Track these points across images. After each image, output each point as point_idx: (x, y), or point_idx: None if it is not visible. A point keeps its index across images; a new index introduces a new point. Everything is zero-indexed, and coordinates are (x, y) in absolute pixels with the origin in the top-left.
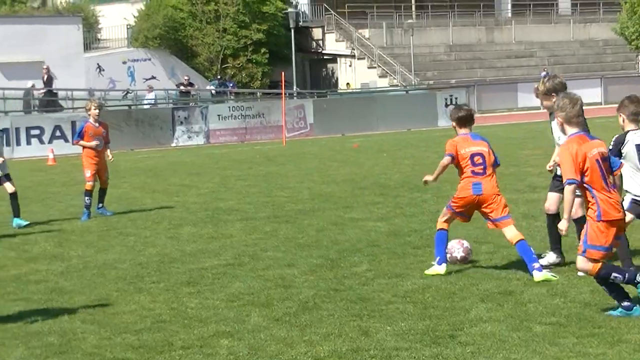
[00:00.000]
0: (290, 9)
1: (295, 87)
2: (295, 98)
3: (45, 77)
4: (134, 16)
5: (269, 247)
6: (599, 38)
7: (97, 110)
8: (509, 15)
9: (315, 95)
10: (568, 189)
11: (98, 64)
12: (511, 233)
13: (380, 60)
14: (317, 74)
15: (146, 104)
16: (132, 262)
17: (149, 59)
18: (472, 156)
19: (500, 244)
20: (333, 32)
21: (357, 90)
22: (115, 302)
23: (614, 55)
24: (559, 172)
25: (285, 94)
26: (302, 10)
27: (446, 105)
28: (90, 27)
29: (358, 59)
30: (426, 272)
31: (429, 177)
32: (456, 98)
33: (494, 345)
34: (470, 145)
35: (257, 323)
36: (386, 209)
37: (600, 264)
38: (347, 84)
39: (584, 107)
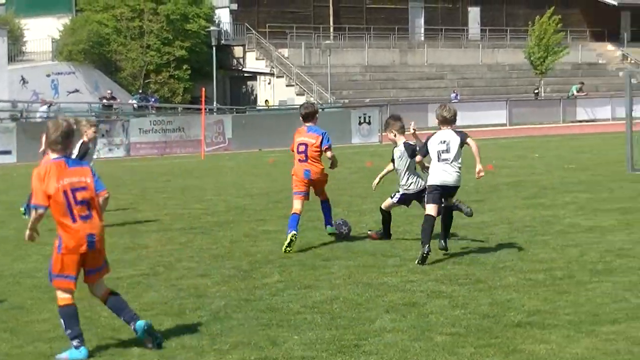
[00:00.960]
0: (212, 28)
1: (215, 102)
2: (215, 113)
3: None
4: (59, 30)
5: (183, 257)
6: (506, 63)
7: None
8: (422, 38)
9: (234, 111)
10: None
11: (22, 76)
12: None
13: (298, 78)
14: (237, 90)
15: (39, 117)
16: (48, 271)
17: (73, 73)
18: (299, 145)
19: (406, 257)
20: (253, 51)
21: (275, 107)
22: (30, 310)
23: (519, 79)
24: (437, 182)
25: (205, 109)
26: (224, 28)
27: (359, 123)
28: (16, 40)
29: (277, 77)
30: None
31: None
32: (369, 116)
33: (396, 355)
34: (301, 136)
35: (169, 332)
36: (301, 222)
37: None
38: (266, 101)
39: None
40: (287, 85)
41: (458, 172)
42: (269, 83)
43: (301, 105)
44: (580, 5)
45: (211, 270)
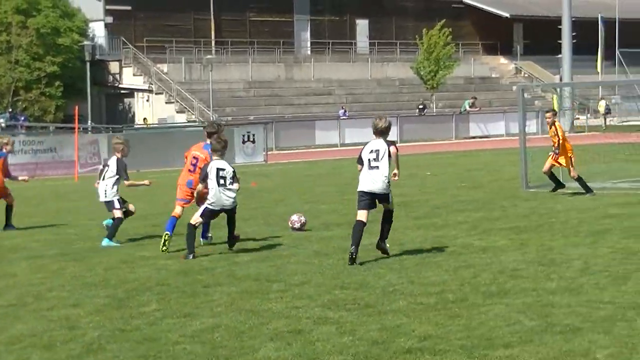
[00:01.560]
0: (86, 42)
1: (90, 121)
2: (89, 133)
3: None
4: None
5: (54, 286)
6: (396, 77)
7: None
8: (308, 52)
9: (110, 130)
10: None
11: None
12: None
13: (178, 95)
14: (113, 108)
15: None
16: None
17: None
18: (191, 158)
19: (291, 282)
20: (130, 66)
21: (154, 126)
22: None
23: (410, 95)
24: (366, 189)
25: (78, 128)
26: (99, 43)
27: (243, 142)
28: None
29: (156, 93)
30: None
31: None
32: (254, 134)
33: None
34: (196, 149)
35: None
36: (178, 247)
37: None
38: (144, 119)
39: None
40: (166, 103)
41: (385, 179)
42: (147, 100)
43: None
44: (472, 17)
45: (84, 300)
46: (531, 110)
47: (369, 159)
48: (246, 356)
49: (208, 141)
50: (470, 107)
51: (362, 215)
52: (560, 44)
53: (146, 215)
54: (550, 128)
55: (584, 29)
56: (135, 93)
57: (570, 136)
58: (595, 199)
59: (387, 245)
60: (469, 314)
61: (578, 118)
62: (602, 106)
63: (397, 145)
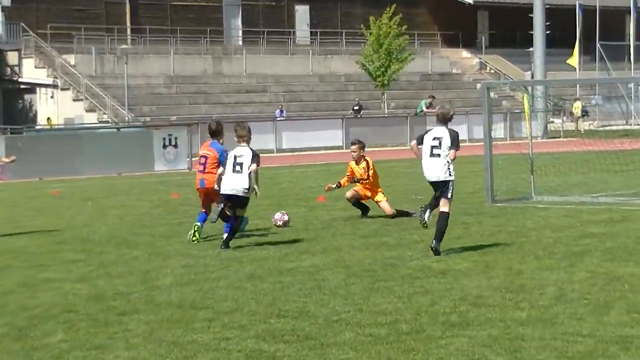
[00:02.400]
0: None
1: None
2: None
3: None
4: None
5: None
6: (341, 72)
7: None
8: (240, 43)
9: (8, 131)
10: None
11: None
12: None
13: (88, 91)
14: (11, 106)
15: None
16: None
17: None
18: (200, 157)
19: (220, 309)
20: (32, 57)
21: (60, 127)
22: None
23: (358, 93)
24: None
25: None
26: None
27: (164, 147)
28: None
29: (62, 89)
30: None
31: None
32: (176, 138)
33: None
34: (203, 149)
35: None
36: (88, 268)
37: None
38: (48, 118)
39: None
40: (74, 100)
41: (445, 166)
42: (51, 97)
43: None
44: (429, 4)
45: None
46: (498, 112)
47: (431, 147)
48: None
49: (213, 140)
50: (427, 107)
51: (443, 205)
52: (531, 35)
53: (50, 230)
54: (358, 164)
55: (559, 19)
56: (38, 88)
57: (544, 142)
58: (572, 216)
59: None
60: (426, 348)
61: (552, 121)
62: (577, 107)
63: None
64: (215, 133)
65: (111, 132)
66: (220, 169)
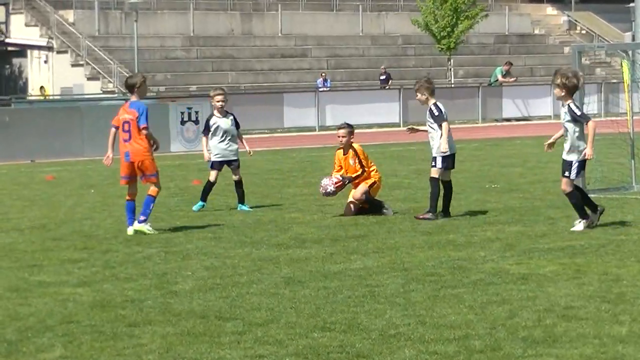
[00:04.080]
0: None
1: None
2: None
3: None
4: None
5: None
6: (397, 33)
7: None
8: None
9: None
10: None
11: None
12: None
13: (89, 55)
14: None
15: None
16: None
17: None
18: (123, 124)
19: (251, 320)
20: (22, 12)
21: (56, 98)
22: None
23: (418, 58)
24: None
25: None
26: None
27: (182, 123)
28: None
29: (57, 52)
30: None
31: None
32: (197, 112)
33: None
34: (123, 113)
35: None
36: (91, 270)
37: None
38: (41, 87)
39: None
40: (73, 65)
41: None
42: (45, 61)
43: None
44: None
45: None
46: (591, 82)
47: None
48: None
49: (133, 98)
50: (503, 76)
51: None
52: None
53: (45, 224)
54: (345, 153)
55: None
56: (29, 51)
57: None
58: None
59: None
60: None
61: None
62: None
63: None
64: (131, 87)
65: (117, 104)
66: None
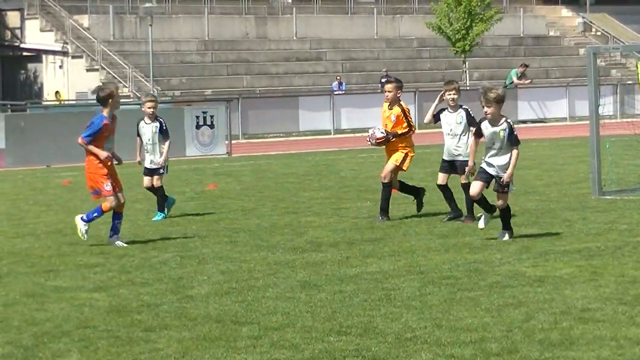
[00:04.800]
0: None
1: None
2: None
3: None
4: None
5: None
6: (412, 36)
7: None
8: (289, 0)
9: (9, 108)
10: None
11: None
12: None
13: (104, 60)
14: (12, 77)
15: None
16: None
17: None
18: None
19: (267, 324)
20: (37, 18)
21: (71, 103)
22: None
23: (433, 61)
24: None
25: None
26: None
27: (197, 127)
28: None
29: (72, 57)
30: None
31: None
32: (212, 116)
33: None
34: None
35: None
36: (107, 274)
37: None
38: (57, 92)
39: None
40: (88, 70)
41: None
42: (60, 66)
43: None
44: None
45: None
46: (607, 83)
47: None
48: None
49: (104, 112)
50: (518, 78)
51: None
52: None
53: (61, 229)
54: (390, 108)
55: None
56: (44, 56)
57: None
58: None
59: None
60: None
61: None
62: None
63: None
64: (101, 101)
65: (133, 109)
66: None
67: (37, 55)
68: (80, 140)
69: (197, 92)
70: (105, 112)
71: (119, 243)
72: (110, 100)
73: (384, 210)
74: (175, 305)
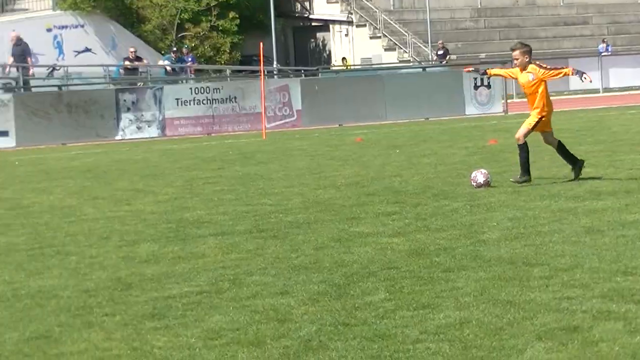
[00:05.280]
0: None
1: (275, 62)
2: (276, 77)
3: None
4: None
5: (254, 269)
6: None
7: None
8: None
9: (302, 73)
10: None
11: (14, 30)
12: None
13: (386, 28)
14: (303, 45)
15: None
16: (77, 289)
17: (82, 26)
18: None
19: (556, 266)
20: None
21: (357, 68)
22: (59, 339)
23: None
24: None
25: (263, 71)
26: None
27: (475, 87)
28: None
29: (357, 26)
30: None
31: None
32: (489, 78)
33: None
34: None
35: None
36: (404, 221)
37: None
38: (343, 59)
39: None
40: (371, 37)
41: None
42: (346, 35)
43: None
44: None
45: (294, 286)
46: None
47: None
48: (509, 358)
49: None
50: None
51: None
52: None
53: (358, 181)
54: (524, 70)
55: None
56: (331, 26)
57: None
58: None
59: None
60: None
61: None
62: None
63: None
64: None
65: (415, 72)
66: None
67: (324, 25)
68: None
69: (472, 56)
70: None
71: None
72: None
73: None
74: (470, 248)
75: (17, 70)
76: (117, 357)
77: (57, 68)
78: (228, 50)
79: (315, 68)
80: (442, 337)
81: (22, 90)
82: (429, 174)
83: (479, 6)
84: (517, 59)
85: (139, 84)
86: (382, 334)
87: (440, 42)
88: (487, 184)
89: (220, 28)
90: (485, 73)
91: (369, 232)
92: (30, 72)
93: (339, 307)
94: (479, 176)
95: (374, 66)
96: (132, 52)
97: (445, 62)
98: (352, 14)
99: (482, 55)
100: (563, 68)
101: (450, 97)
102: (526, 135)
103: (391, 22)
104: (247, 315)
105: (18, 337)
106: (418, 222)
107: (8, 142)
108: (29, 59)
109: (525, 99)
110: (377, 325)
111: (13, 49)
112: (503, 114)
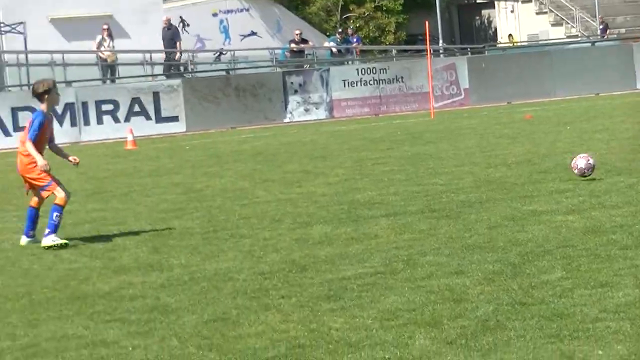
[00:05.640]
0: None
1: (441, 41)
2: (442, 56)
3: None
4: None
5: (427, 249)
6: None
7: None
8: None
9: (469, 51)
10: None
11: (181, 17)
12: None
13: (552, 3)
14: (468, 23)
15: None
16: (252, 272)
17: (247, 10)
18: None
19: None
20: None
21: (524, 44)
22: (237, 322)
23: None
24: None
25: (430, 50)
26: None
27: None
28: None
29: (522, 2)
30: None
31: None
32: None
33: None
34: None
35: (425, 348)
36: (578, 199)
37: None
38: (510, 35)
39: None
40: (537, 13)
41: None
42: (511, 11)
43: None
44: None
45: (468, 266)
46: None
47: None
48: None
49: (41, 107)
50: None
51: None
52: None
53: (529, 159)
54: None
55: None
56: (496, 3)
57: None
58: None
59: None
60: None
61: None
62: None
63: None
64: (37, 96)
65: (583, 47)
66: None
67: (489, 2)
68: (25, 141)
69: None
70: (42, 107)
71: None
72: (47, 95)
73: None
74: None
75: (176, 55)
76: (295, 339)
77: (224, 52)
78: (393, 30)
79: (481, 46)
80: (623, 315)
81: (191, 76)
82: (602, 149)
83: None
84: None
85: (305, 66)
86: (560, 313)
87: (600, 17)
88: (589, 167)
89: (385, 8)
90: None
91: (542, 210)
92: (177, 57)
93: (515, 287)
94: (580, 161)
95: (541, 42)
96: (297, 34)
97: (606, 36)
98: None
99: None
100: None
101: (620, 71)
102: None
103: None
104: (422, 295)
105: (196, 319)
106: (592, 199)
107: (178, 127)
108: (178, 43)
109: None
110: (555, 304)
111: (163, 32)
112: None
